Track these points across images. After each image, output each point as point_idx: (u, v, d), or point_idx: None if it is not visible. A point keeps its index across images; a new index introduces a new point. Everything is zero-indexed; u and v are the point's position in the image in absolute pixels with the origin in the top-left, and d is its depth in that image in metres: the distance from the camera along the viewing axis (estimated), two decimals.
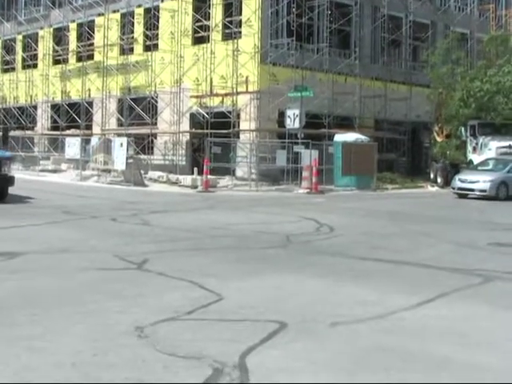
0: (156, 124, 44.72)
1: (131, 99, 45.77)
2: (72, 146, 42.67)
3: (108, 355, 7.14)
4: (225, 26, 41.73)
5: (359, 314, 9.21)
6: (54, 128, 52.17)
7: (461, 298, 10.37)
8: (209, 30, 41.92)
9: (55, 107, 52.85)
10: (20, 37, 57.11)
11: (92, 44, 50.13)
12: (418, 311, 9.57)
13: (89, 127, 48.73)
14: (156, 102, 44.57)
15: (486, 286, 11.38)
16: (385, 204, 27.24)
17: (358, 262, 13.42)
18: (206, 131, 39.84)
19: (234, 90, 40.11)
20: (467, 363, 7.26)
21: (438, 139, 42.07)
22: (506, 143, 36.27)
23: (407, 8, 47.00)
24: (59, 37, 53.66)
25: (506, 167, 32.38)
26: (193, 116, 43.26)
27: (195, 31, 43.43)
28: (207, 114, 40.13)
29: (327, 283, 11.20)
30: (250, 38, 39.78)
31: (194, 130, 43.01)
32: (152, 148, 44.14)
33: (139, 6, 47.00)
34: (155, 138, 44.68)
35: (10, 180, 24.32)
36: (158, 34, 45.22)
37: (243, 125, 40.33)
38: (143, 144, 43.76)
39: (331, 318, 8.87)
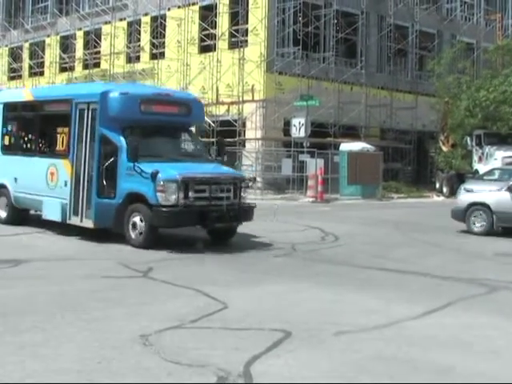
0: None
1: None
2: None
3: (112, 363, 7.14)
4: (231, 35, 41.78)
5: (363, 323, 9.21)
6: None
7: (465, 307, 10.36)
8: (215, 39, 42.00)
9: None
10: (27, 44, 57.24)
11: (98, 52, 50.24)
12: (423, 320, 9.56)
13: None
14: None
15: (491, 296, 11.37)
16: (390, 213, 27.20)
17: (363, 271, 13.41)
18: (211, 139, 39.86)
19: (240, 99, 40.13)
20: (471, 372, 7.26)
21: (444, 149, 41.98)
22: None
23: (413, 17, 47.03)
24: (66, 45, 53.77)
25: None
26: (198, 124, 43.25)
27: (201, 40, 43.50)
28: (213, 122, 40.15)
29: (332, 292, 11.19)
30: (257, 46, 39.82)
31: (199, 137, 43.00)
32: None
33: (146, 14, 47.10)
34: None
35: (248, 211, 16.48)
36: (164, 43, 45.31)
37: (249, 133, 40.34)
38: None
39: (336, 326, 8.87)
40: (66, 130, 17.01)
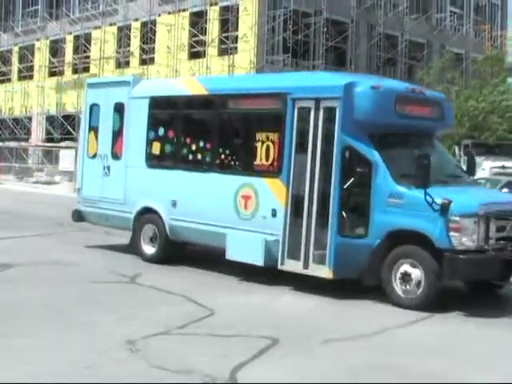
0: None
1: None
2: (66, 158, 42.64)
3: (99, 368, 7.14)
4: (221, 42, 41.81)
5: (352, 330, 9.23)
6: (49, 140, 52.07)
7: (453, 315, 10.39)
8: (205, 45, 42.03)
9: (50, 119, 52.81)
10: (16, 48, 57.06)
11: (88, 56, 50.14)
12: (411, 328, 9.59)
13: None
14: None
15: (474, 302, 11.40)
16: None
17: (353, 279, 13.41)
18: None
19: None
20: (459, 380, 7.29)
21: None
22: (500, 163, 36.35)
23: (403, 27, 47.16)
24: (55, 49, 53.64)
25: (497, 186, 32.41)
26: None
27: (191, 46, 43.50)
28: None
29: (321, 299, 11.20)
30: (246, 53, 39.86)
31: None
32: None
33: (136, 19, 47.05)
34: None
35: None
36: (154, 48, 45.29)
37: None
38: None
39: (324, 334, 8.88)
40: (271, 136, 12.30)
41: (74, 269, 13.14)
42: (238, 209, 12.61)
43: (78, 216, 15.95)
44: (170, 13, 44.28)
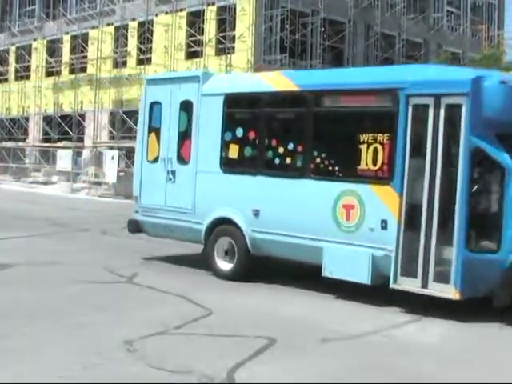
0: None
1: (123, 112, 45.72)
2: (63, 159, 42.59)
3: (96, 368, 7.13)
4: (218, 41, 41.82)
5: (349, 330, 9.23)
6: (46, 140, 52.07)
7: (446, 315, 10.39)
8: (202, 45, 42.02)
9: (47, 119, 52.79)
10: (13, 48, 57.04)
11: (85, 56, 50.12)
12: (408, 328, 9.59)
13: (80, 140, 48.65)
14: None
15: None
16: None
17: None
18: None
19: None
20: (453, 380, 7.29)
21: None
22: None
23: (400, 26, 47.19)
24: (52, 49, 53.62)
25: None
26: None
27: (188, 46, 43.50)
28: None
29: (318, 299, 11.19)
30: (244, 53, 39.87)
31: None
32: None
33: (133, 19, 47.03)
34: None
35: None
36: (151, 48, 45.26)
37: None
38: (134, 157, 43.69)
39: (321, 334, 8.88)
40: (379, 137, 10.83)
41: (71, 269, 13.12)
42: (338, 219, 11.14)
43: (136, 226, 14.38)
44: (167, 13, 44.28)
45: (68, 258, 14.37)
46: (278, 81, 12.68)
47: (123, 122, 45.51)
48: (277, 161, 12.09)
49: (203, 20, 41.87)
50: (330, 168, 11.45)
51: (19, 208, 25.33)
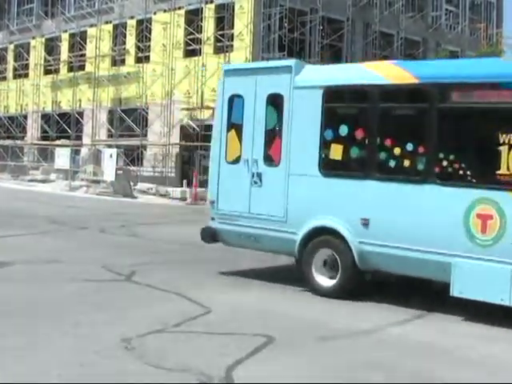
0: (146, 136, 44.67)
1: (122, 110, 45.71)
2: (62, 157, 42.58)
3: (94, 366, 7.12)
4: (216, 40, 41.79)
5: (349, 328, 9.22)
6: (44, 138, 52.04)
7: (444, 314, 10.39)
8: (200, 43, 41.98)
9: (45, 117, 52.74)
10: (12, 46, 57.02)
11: (84, 55, 50.10)
12: (408, 326, 9.58)
13: (79, 138, 48.64)
14: (146, 113, 44.51)
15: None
16: None
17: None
18: (196, 144, 39.83)
19: None
20: (454, 380, 7.28)
21: None
22: None
23: (399, 25, 47.17)
24: (51, 47, 53.59)
25: None
26: (183, 128, 43.22)
27: (187, 44, 43.47)
28: (198, 126, 40.11)
29: (318, 297, 11.18)
30: (242, 51, 39.83)
31: (184, 142, 42.98)
32: (141, 160, 44.09)
33: (132, 17, 47.00)
34: (145, 149, 44.62)
35: None
36: (149, 46, 45.24)
37: None
38: (133, 156, 43.68)
39: (319, 332, 8.87)
40: None
41: (69, 267, 13.11)
42: (472, 232, 9.80)
43: (212, 235, 12.83)
44: (165, 11, 44.24)
45: (66, 256, 14.36)
46: (393, 72, 11.08)
47: (121, 120, 45.47)
48: (392, 163, 10.63)
49: (201, 18, 41.83)
50: (461, 172, 10.04)
51: (17, 206, 25.31)
